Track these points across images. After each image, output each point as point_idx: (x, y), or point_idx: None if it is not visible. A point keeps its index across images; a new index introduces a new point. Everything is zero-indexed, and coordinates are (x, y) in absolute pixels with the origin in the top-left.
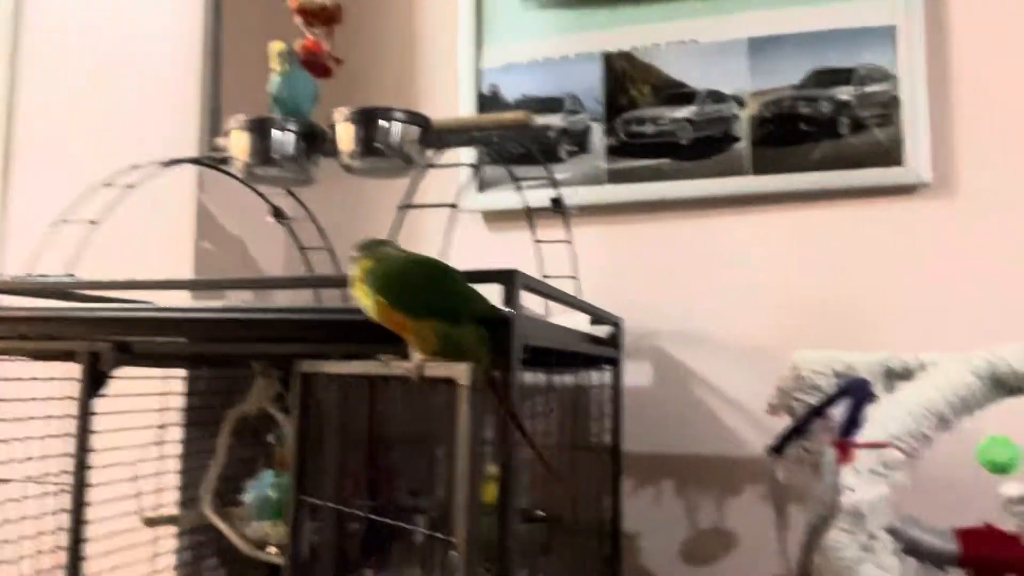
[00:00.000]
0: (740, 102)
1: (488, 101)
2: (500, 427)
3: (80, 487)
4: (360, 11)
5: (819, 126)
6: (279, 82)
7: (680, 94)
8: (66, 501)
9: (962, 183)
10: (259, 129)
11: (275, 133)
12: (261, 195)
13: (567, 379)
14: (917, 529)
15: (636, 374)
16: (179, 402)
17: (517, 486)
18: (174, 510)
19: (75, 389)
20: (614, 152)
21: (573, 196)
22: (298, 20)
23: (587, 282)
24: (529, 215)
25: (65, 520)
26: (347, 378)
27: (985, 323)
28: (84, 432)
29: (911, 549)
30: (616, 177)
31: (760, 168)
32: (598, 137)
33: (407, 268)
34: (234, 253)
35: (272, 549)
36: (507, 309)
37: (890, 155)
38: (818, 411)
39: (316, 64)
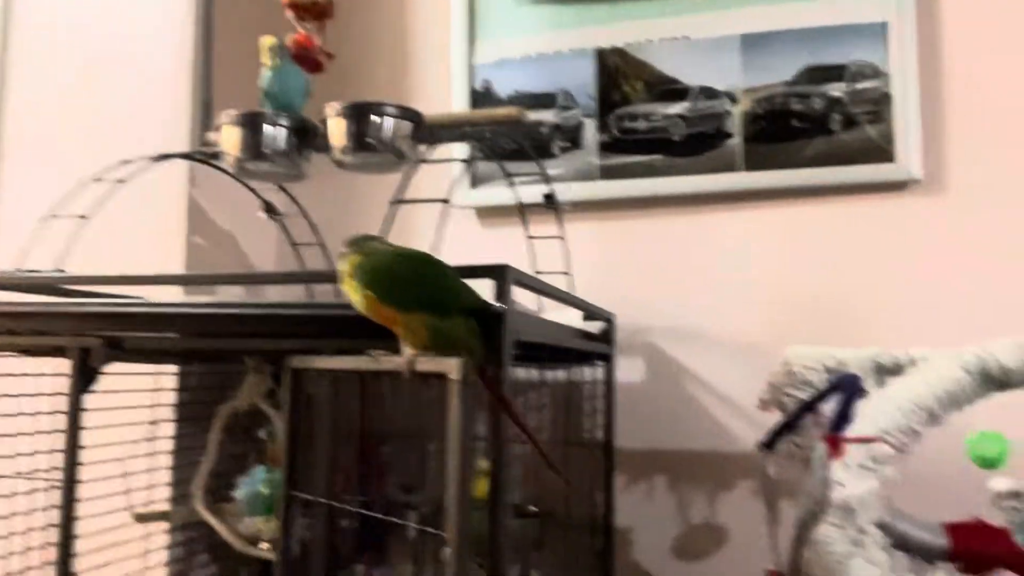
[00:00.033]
0: (733, 98)
1: (481, 97)
2: (492, 422)
3: (70, 483)
4: (352, 6)
5: (811, 123)
6: (270, 77)
7: (673, 90)
8: (56, 497)
9: (953, 180)
10: (250, 124)
11: (266, 128)
12: (252, 190)
13: (560, 375)
14: (907, 524)
15: (629, 370)
16: (170, 398)
17: (508, 481)
18: (165, 506)
19: (65, 385)
20: (607, 148)
21: (566, 192)
22: (289, 15)
23: (580, 278)
24: (522, 211)
25: (55, 516)
26: (338, 373)
27: (975, 319)
28: (74, 428)
29: (901, 543)
30: (609, 173)
31: (752, 164)
32: (591, 133)
33: (395, 262)
34: (225, 249)
35: (264, 545)
36: (498, 304)
37: (882, 152)
38: (809, 406)
39: (307, 59)
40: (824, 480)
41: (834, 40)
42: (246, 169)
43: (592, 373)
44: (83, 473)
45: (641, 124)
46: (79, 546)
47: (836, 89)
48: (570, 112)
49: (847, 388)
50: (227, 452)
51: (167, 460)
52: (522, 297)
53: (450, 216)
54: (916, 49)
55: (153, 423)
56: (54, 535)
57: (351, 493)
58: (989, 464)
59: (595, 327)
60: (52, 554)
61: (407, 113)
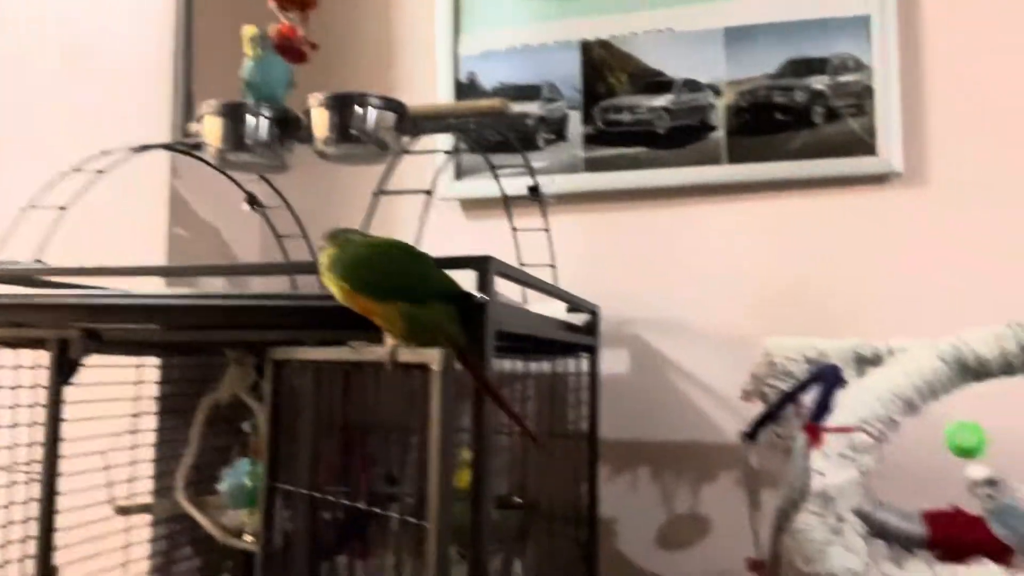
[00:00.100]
0: (716, 91)
1: (466, 88)
2: (475, 412)
3: (51, 476)
4: None
5: (794, 116)
6: (252, 67)
7: (657, 83)
8: (36, 491)
9: (933, 173)
10: (232, 115)
11: (249, 119)
12: (235, 181)
13: (544, 366)
14: (886, 512)
15: (613, 362)
16: (152, 390)
17: (491, 471)
18: (148, 499)
19: (45, 377)
20: (591, 140)
21: (550, 184)
22: (272, 5)
23: (564, 270)
24: (506, 203)
25: (35, 510)
26: (321, 365)
27: (955, 310)
28: (54, 420)
29: (880, 532)
30: (593, 165)
31: (736, 157)
32: (576, 125)
33: (368, 252)
34: (208, 240)
35: (248, 537)
36: (481, 295)
37: (864, 144)
38: (790, 397)
39: (291, 49)
40: (804, 469)
41: (817, 33)
42: (228, 160)
43: (576, 365)
44: (64, 466)
45: (626, 116)
46: (59, 539)
47: (819, 82)
48: (555, 104)
49: (827, 379)
50: (211, 445)
51: (149, 453)
52: (507, 289)
53: (435, 208)
54: (897, 43)
55: (135, 415)
56: (34, 528)
57: (334, 485)
58: (967, 453)
59: (580, 319)
60: (32, 547)
61: (391, 104)
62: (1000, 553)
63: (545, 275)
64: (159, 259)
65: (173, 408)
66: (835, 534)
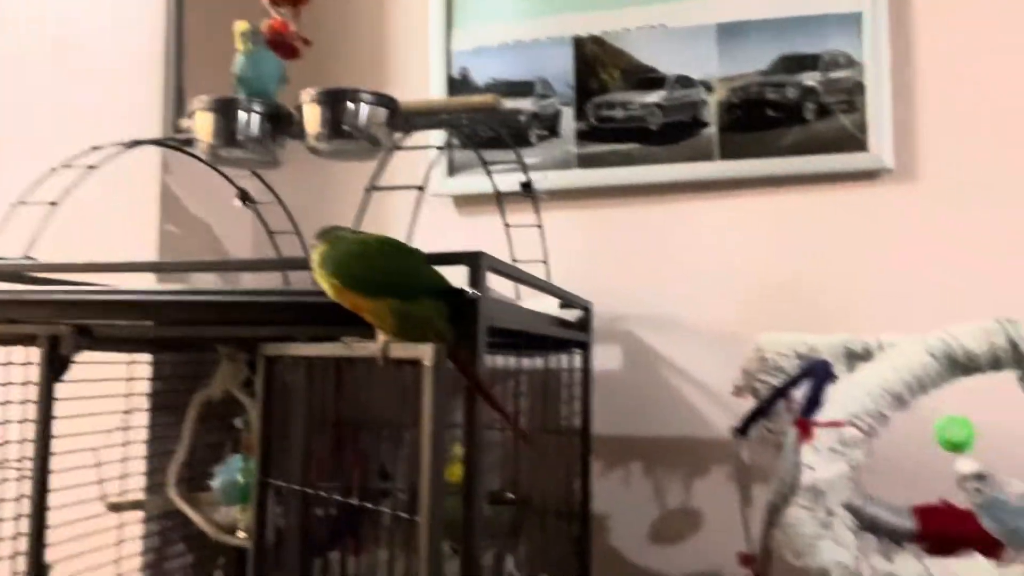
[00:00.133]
0: (708, 87)
1: (458, 84)
2: (467, 407)
3: (42, 473)
4: None
5: (786, 112)
6: (243, 62)
7: (650, 79)
8: (27, 487)
9: (923, 169)
10: (224, 110)
11: (240, 114)
12: (227, 177)
13: (537, 362)
14: (876, 507)
15: (606, 358)
16: (144, 387)
17: (483, 466)
18: (140, 496)
19: (36, 374)
20: (584, 136)
21: (543, 180)
22: (264, 0)
23: (557, 266)
24: (499, 199)
25: (26, 506)
26: (313, 361)
27: (945, 305)
28: (46, 417)
29: (870, 526)
30: (586, 162)
31: (727, 153)
32: (568, 121)
33: (357, 248)
34: (200, 236)
35: (241, 534)
36: (473, 291)
37: (855, 141)
38: (781, 392)
39: (283, 44)
40: (795, 464)
41: (809, 29)
42: (220, 156)
43: (569, 361)
44: (55, 463)
45: (618, 113)
46: (51, 536)
47: (810, 78)
48: (548, 100)
49: (818, 374)
50: (204, 441)
51: (141, 449)
52: (500, 285)
53: (428, 204)
54: (889, 39)
55: (127, 412)
56: (25, 525)
57: (327, 481)
58: (956, 448)
59: (572, 315)
60: (23, 544)
61: (382, 100)
62: (989, 547)
63: (538, 271)
64: (150, 255)
65: (165, 405)
66: (825, 528)
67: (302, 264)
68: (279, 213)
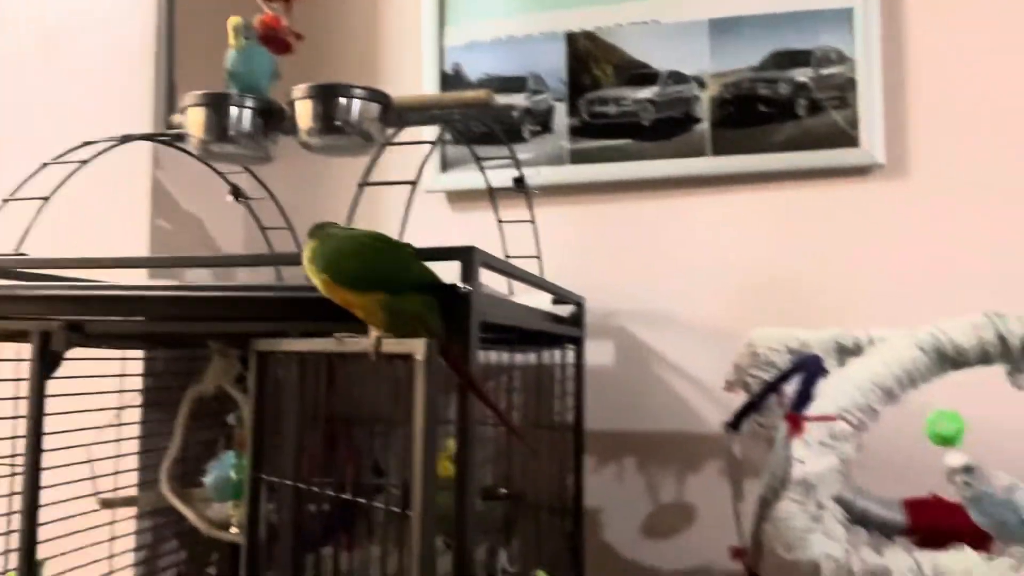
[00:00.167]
0: (701, 83)
1: (451, 79)
2: (460, 402)
3: (34, 470)
4: None
5: (778, 108)
6: (235, 57)
7: (642, 74)
8: (19, 484)
9: (915, 165)
10: (216, 105)
11: (232, 110)
12: (219, 173)
13: (530, 358)
14: (867, 500)
15: (599, 353)
16: (137, 383)
17: (475, 461)
18: (132, 492)
19: (27, 370)
20: (577, 132)
21: (536, 176)
22: None
23: (550, 262)
24: (492, 195)
25: (18, 503)
26: (305, 356)
27: (936, 300)
28: (37, 414)
29: (861, 519)
30: (579, 157)
31: (720, 149)
32: (561, 117)
33: (346, 244)
34: (192, 232)
35: (234, 530)
36: (465, 286)
37: (847, 137)
38: (773, 387)
39: (275, 40)
40: (785, 458)
41: (801, 25)
42: (211, 151)
43: (562, 356)
44: (47, 460)
45: (611, 108)
46: (44, 533)
47: (802, 74)
48: (540, 96)
49: (809, 368)
50: (196, 438)
51: (133, 446)
52: (493, 281)
53: (420, 200)
54: (880, 35)
55: (119, 408)
56: (17, 522)
57: (319, 476)
58: (946, 442)
59: (565, 310)
60: (16, 541)
61: (375, 95)
62: (978, 539)
63: (531, 267)
64: (142, 251)
65: (157, 401)
66: (815, 521)
67: (295, 260)
68: (271, 209)
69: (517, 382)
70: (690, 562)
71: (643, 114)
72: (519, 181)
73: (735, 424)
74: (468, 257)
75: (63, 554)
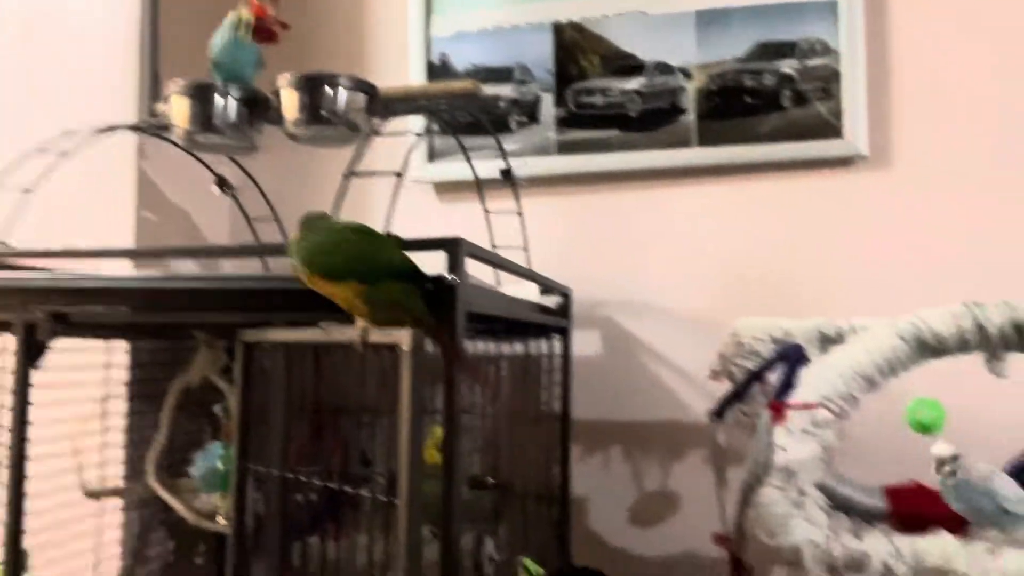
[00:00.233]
0: (687, 74)
1: (438, 70)
2: (447, 391)
3: (19, 461)
4: None
5: (763, 99)
6: (220, 47)
7: (629, 65)
8: (4, 475)
9: (898, 156)
10: (200, 95)
11: (217, 99)
12: (204, 163)
13: (517, 348)
14: (848, 487)
15: (585, 343)
16: (122, 374)
17: (461, 450)
18: (119, 483)
19: (11, 361)
20: (564, 123)
21: (523, 167)
22: None
23: (537, 253)
24: (479, 186)
25: (3, 494)
26: (292, 346)
27: (918, 290)
28: (22, 404)
29: (842, 505)
30: (566, 148)
31: (705, 140)
32: (548, 108)
33: (321, 235)
34: (177, 223)
35: (221, 520)
36: (451, 276)
37: (831, 128)
38: (756, 376)
39: (261, 29)
40: (768, 445)
41: (786, 17)
42: (196, 141)
43: (549, 346)
44: (32, 450)
45: (598, 99)
46: (29, 524)
47: (787, 66)
48: (527, 86)
49: (792, 357)
50: (182, 428)
51: (120, 437)
52: (481, 272)
53: (407, 190)
54: (864, 27)
55: (104, 399)
56: (3, 513)
57: (306, 466)
58: (925, 429)
59: (552, 301)
60: (1, 532)
61: (361, 85)
62: (956, 525)
63: (518, 257)
64: (127, 242)
65: (143, 392)
66: (797, 507)
67: (281, 250)
68: (257, 199)
69: (504, 372)
70: (675, 548)
71: (629, 105)
72: (506, 172)
73: (720, 413)
74: (455, 248)
75: (50, 545)
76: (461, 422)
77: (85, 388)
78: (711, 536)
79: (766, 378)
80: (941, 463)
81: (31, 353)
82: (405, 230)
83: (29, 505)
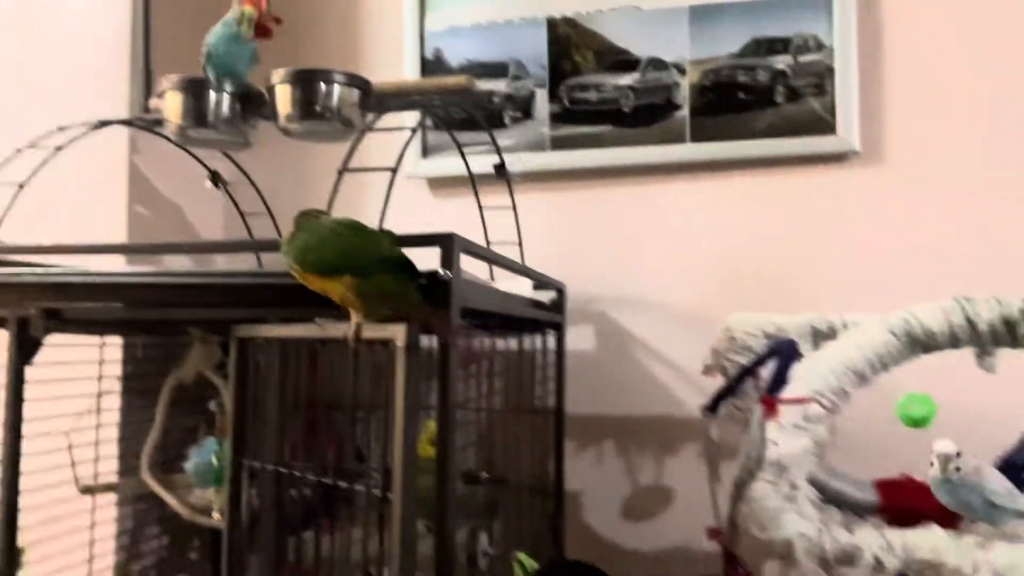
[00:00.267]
0: (681, 70)
1: (432, 65)
2: (440, 382)
3: (14, 456)
4: None
5: (756, 95)
6: (216, 40)
7: (623, 61)
8: None
9: (890, 152)
10: (193, 90)
11: (210, 94)
12: (197, 158)
13: (511, 344)
14: (840, 481)
15: (579, 338)
16: (116, 369)
17: (454, 445)
18: (113, 479)
19: (5, 357)
20: (558, 119)
21: (517, 162)
22: None
23: (531, 248)
24: (473, 181)
25: None
26: (286, 342)
27: (910, 285)
28: (16, 400)
29: (834, 499)
30: (559, 144)
31: (699, 136)
32: (542, 103)
33: (311, 232)
34: (170, 218)
35: (216, 515)
36: (445, 272)
37: (824, 124)
38: (749, 370)
39: (257, 25)
40: (760, 440)
41: (779, 13)
42: (189, 136)
43: (543, 342)
44: (27, 446)
45: (592, 95)
46: (24, 519)
47: (781, 62)
48: (521, 82)
49: (784, 352)
50: (177, 424)
51: (114, 432)
52: (475, 267)
53: (401, 186)
54: (857, 23)
55: (98, 395)
56: None
57: (301, 461)
58: (916, 423)
59: (546, 296)
60: None
61: (355, 81)
62: (946, 518)
63: (512, 253)
64: (119, 237)
65: (137, 387)
66: (788, 501)
67: (274, 246)
68: (251, 194)
69: (498, 367)
70: (668, 542)
71: (623, 100)
72: (500, 167)
73: (713, 407)
74: (448, 243)
75: (44, 540)
76: (455, 417)
77: (79, 384)
78: (704, 530)
79: (759, 373)
80: (946, 460)
81: (25, 349)
82: (399, 225)
83: (23, 501)
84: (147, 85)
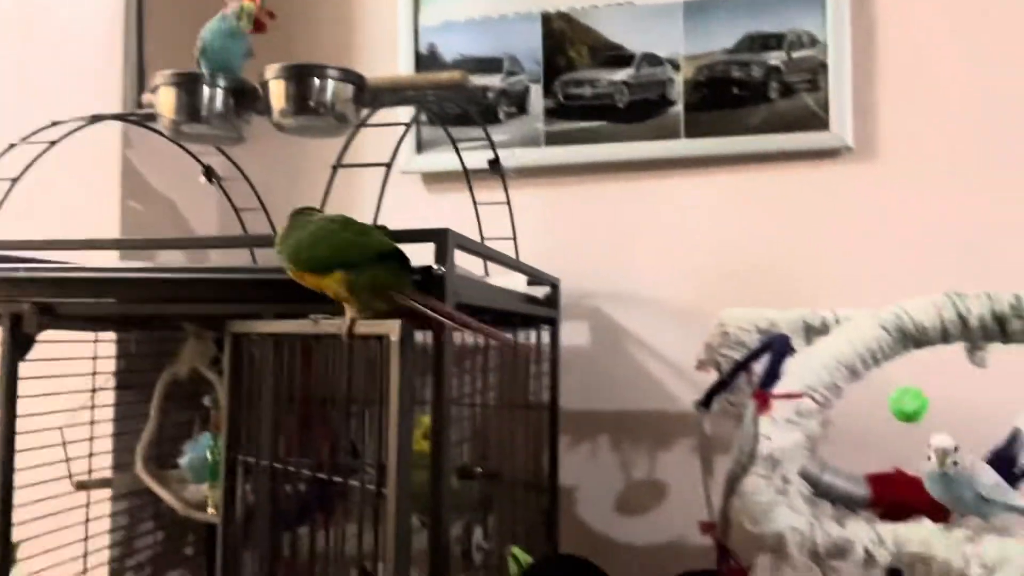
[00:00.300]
0: (675, 66)
1: (426, 60)
2: (435, 376)
3: (8, 452)
4: None
5: (750, 90)
6: (208, 37)
7: (617, 56)
8: None
9: (883, 148)
10: (187, 85)
11: (204, 89)
12: (191, 153)
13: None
14: (832, 475)
15: (573, 333)
16: (110, 365)
17: (449, 440)
18: (108, 474)
19: None
20: (552, 114)
21: (511, 158)
22: None
23: (526, 243)
24: (467, 177)
25: None
26: (280, 337)
27: (903, 281)
28: (10, 396)
29: (826, 493)
30: (554, 139)
31: (693, 131)
32: (536, 99)
33: (301, 229)
34: (164, 214)
35: (211, 510)
36: (439, 267)
37: (817, 119)
38: (742, 366)
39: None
40: (753, 434)
41: (773, 8)
42: (183, 132)
43: (537, 337)
44: (21, 442)
45: (586, 90)
46: (18, 515)
47: (775, 58)
48: (516, 77)
49: (777, 347)
50: (172, 420)
51: (108, 428)
52: (469, 263)
53: (396, 181)
54: (851, 19)
55: (93, 391)
56: None
57: (296, 456)
58: (908, 418)
59: (540, 292)
60: None
61: (349, 76)
62: (937, 512)
63: (506, 248)
64: (113, 232)
65: (131, 383)
66: (781, 495)
67: (268, 241)
68: (245, 190)
69: (493, 362)
70: (662, 536)
71: (618, 96)
72: (494, 163)
73: (706, 402)
74: (443, 239)
75: (38, 536)
76: (449, 412)
77: (73, 380)
78: (697, 524)
79: (752, 368)
80: (944, 454)
81: (18, 345)
82: (393, 221)
83: (18, 497)
84: (140, 80)
